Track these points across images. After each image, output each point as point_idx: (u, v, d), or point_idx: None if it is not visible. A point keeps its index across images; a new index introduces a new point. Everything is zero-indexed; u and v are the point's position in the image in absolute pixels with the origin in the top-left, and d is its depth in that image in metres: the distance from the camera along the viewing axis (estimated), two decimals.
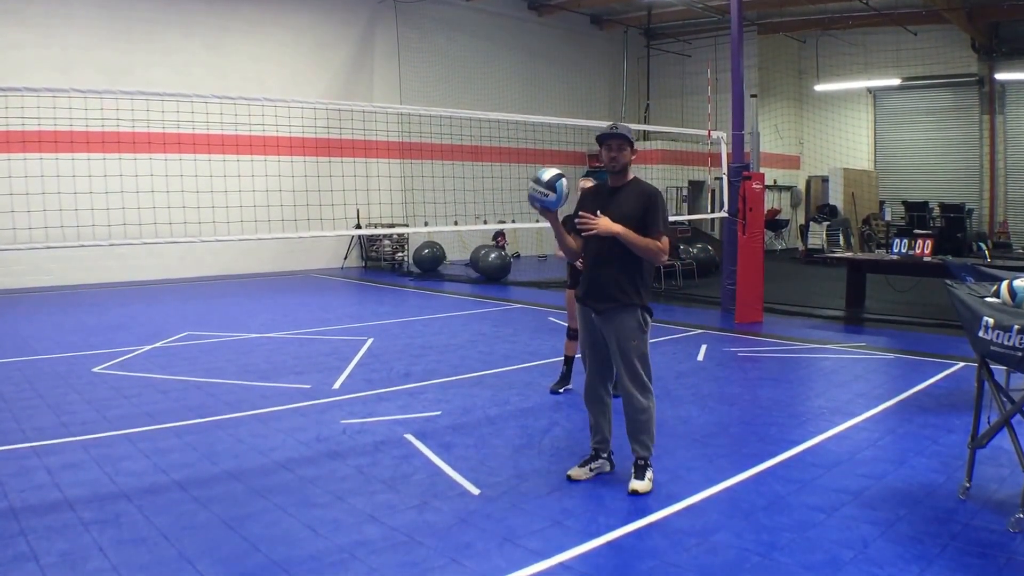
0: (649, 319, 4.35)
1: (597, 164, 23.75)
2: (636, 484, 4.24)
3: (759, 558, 3.47)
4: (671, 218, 4.50)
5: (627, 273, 4.27)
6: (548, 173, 4.28)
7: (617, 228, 4.16)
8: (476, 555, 3.53)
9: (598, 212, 4.25)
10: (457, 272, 17.03)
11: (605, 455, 4.58)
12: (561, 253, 6.33)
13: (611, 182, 4.42)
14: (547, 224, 4.45)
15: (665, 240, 4.25)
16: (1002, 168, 21.14)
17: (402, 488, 4.36)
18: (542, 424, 5.63)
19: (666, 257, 4.31)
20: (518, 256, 20.62)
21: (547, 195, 4.25)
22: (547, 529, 3.80)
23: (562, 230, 4.45)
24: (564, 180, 4.30)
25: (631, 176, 4.39)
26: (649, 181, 4.52)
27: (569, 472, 4.51)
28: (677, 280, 13.89)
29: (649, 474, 4.32)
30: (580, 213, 4.26)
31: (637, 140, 4.44)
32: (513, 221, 16.43)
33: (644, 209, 4.23)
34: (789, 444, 5.08)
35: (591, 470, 4.52)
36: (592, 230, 4.18)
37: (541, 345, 8.66)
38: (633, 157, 4.36)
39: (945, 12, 18.59)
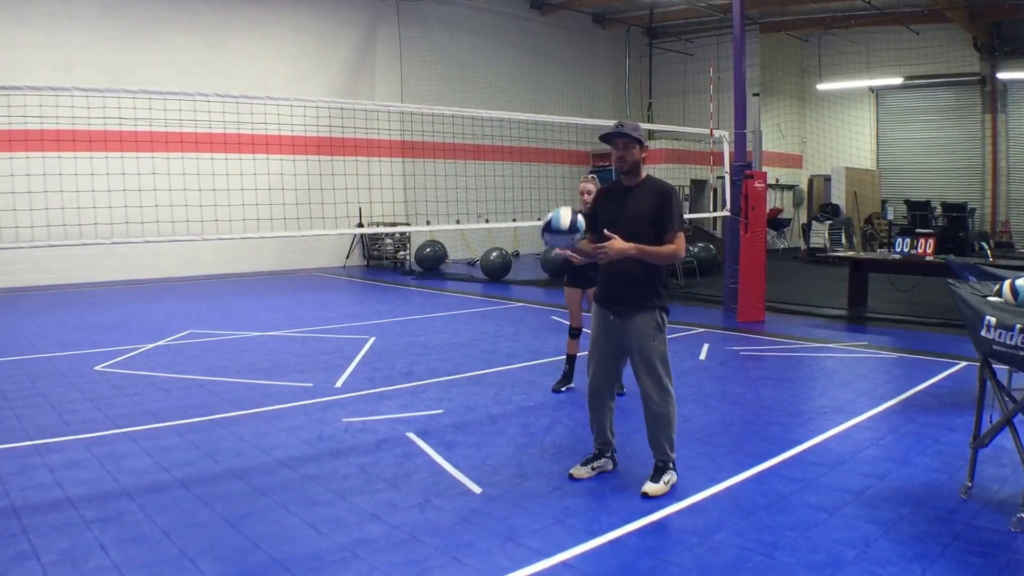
0: (666, 319, 4.32)
1: (601, 163, 23.81)
2: (649, 487, 4.19)
3: (761, 557, 3.47)
4: None
5: (644, 273, 4.23)
6: (564, 218, 4.15)
7: (631, 249, 4.08)
8: (478, 554, 3.53)
9: (605, 232, 4.18)
10: (459, 271, 17.04)
11: (608, 454, 4.57)
12: (559, 250, 6.34)
13: (625, 181, 4.36)
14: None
15: (680, 238, 4.18)
16: (1004, 167, 21.11)
17: (404, 487, 4.36)
18: (544, 423, 5.62)
19: (683, 254, 4.22)
20: (518, 255, 20.62)
21: (572, 236, 4.19)
22: (549, 528, 3.80)
23: (587, 251, 4.40)
24: (578, 215, 4.22)
25: (644, 174, 4.34)
26: None
27: (571, 471, 4.50)
28: (679, 279, 13.88)
29: (667, 477, 4.26)
30: (596, 246, 4.18)
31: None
32: (514, 220, 16.43)
33: (658, 208, 4.18)
34: (791, 443, 5.08)
35: (593, 469, 4.50)
36: (604, 257, 4.13)
37: (543, 344, 8.66)
38: (643, 155, 4.30)
39: (947, 11, 18.57)
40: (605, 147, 4.47)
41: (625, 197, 4.31)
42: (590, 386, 4.51)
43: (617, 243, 4.09)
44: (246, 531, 3.78)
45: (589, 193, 6.14)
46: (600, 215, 4.37)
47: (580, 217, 4.23)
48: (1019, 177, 21.04)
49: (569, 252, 6.23)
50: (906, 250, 10.54)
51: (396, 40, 19.36)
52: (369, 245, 19.03)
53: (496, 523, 3.85)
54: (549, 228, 4.20)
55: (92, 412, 5.91)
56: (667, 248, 4.16)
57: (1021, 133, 20.93)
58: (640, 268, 4.22)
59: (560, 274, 14.66)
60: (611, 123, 4.63)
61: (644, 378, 4.26)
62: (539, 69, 21.77)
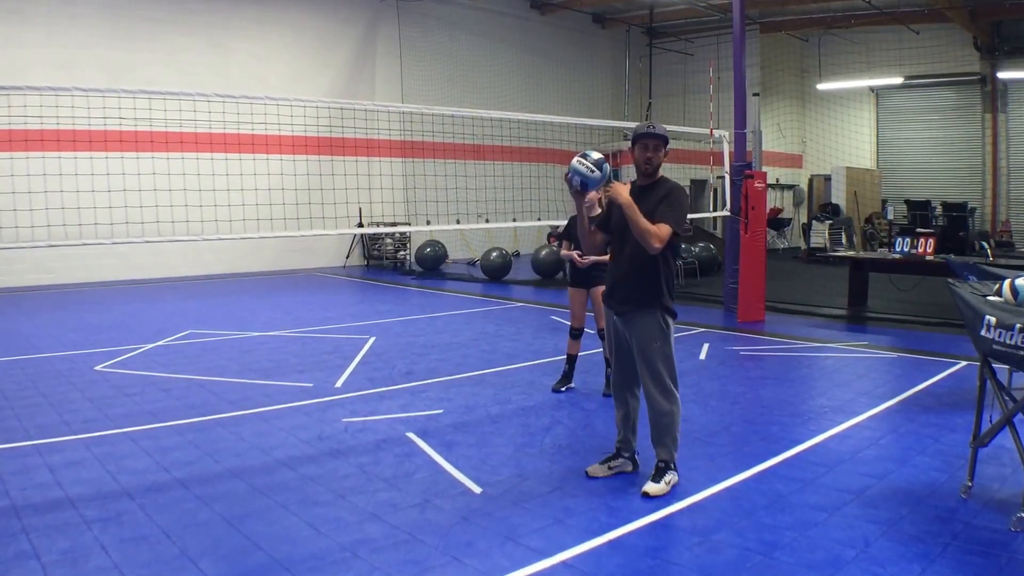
0: (671, 321, 4.29)
1: None
2: (650, 487, 4.19)
3: (760, 557, 3.47)
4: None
5: (647, 274, 4.22)
6: (597, 154, 4.27)
7: (625, 198, 4.09)
8: (478, 553, 3.53)
9: (612, 184, 4.26)
10: (459, 271, 17.04)
11: (627, 454, 4.55)
12: (566, 252, 6.34)
13: (640, 182, 4.37)
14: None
15: (664, 228, 4.07)
16: (1004, 167, 21.12)
17: (404, 486, 4.36)
18: (544, 423, 5.62)
19: (659, 245, 4.07)
20: (518, 255, 20.61)
21: (593, 172, 4.19)
22: (548, 528, 3.80)
23: (585, 215, 4.42)
24: (608, 165, 4.30)
25: (660, 175, 4.34)
26: None
27: (588, 468, 4.51)
28: (679, 279, 13.88)
29: (668, 478, 4.25)
30: (610, 183, 4.27)
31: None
32: (514, 220, 16.43)
33: (659, 203, 4.18)
34: (791, 443, 5.08)
35: (610, 468, 4.50)
36: (614, 198, 4.19)
37: (544, 344, 8.66)
38: (664, 157, 4.30)
39: (947, 11, 18.57)
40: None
41: (638, 196, 4.30)
42: (611, 381, 4.66)
43: (618, 186, 4.16)
44: (246, 531, 3.78)
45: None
46: (614, 214, 4.37)
47: (608, 166, 4.28)
48: (1019, 176, 21.03)
49: (574, 255, 6.22)
50: (906, 250, 10.54)
51: (396, 40, 19.35)
52: (369, 245, 19.03)
53: (496, 523, 3.85)
54: (581, 154, 4.27)
55: (92, 412, 5.91)
56: (648, 224, 4.06)
57: (1021, 133, 20.92)
58: (643, 268, 4.21)
59: (551, 273, 14.84)
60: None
61: (646, 378, 4.27)
62: (539, 69, 21.76)
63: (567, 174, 4.26)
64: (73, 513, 4.00)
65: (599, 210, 4.42)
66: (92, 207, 10.74)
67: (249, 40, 17.19)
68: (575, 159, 4.26)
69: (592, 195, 6.01)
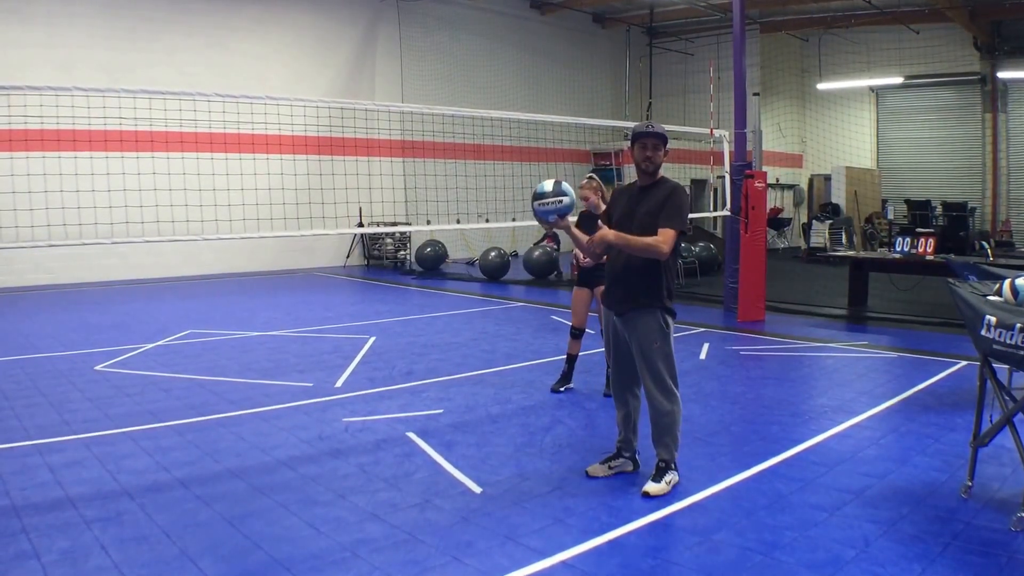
0: (671, 321, 4.28)
1: (602, 163, 23.64)
2: (650, 486, 4.19)
3: (761, 557, 3.47)
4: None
5: (646, 274, 4.21)
6: (549, 184, 4.23)
7: (610, 237, 4.12)
8: (477, 553, 3.53)
9: (600, 223, 4.26)
10: (459, 271, 17.05)
11: (628, 454, 4.55)
12: (579, 253, 6.32)
13: (641, 181, 4.36)
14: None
15: (668, 234, 4.06)
16: (1004, 167, 21.12)
17: (404, 486, 4.36)
18: (544, 423, 5.62)
19: (667, 249, 4.07)
20: (516, 255, 20.61)
21: (560, 201, 4.18)
22: (549, 527, 3.80)
23: (579, 235, 4.43)
24: (565, 183, 4.30)
25: (660, 175, 4.33)
26: None
27: (588, 468, 4.51)
28: (679, 279, 13.88)
29: (669, 477, 4.25)
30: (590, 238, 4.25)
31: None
32: (514, 220, 16.41)
33: (661, 204, 4.16)
34: (791, 443, 5.08)
35: (611, 468, 4.49)
36: (593, 244, 4.20)
37: (543, 344, 8.66)
38: (664, 157, 4.28)
39: (947, 10, 18.57)
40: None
41: (639, 196, 4.31)
42: (611, 381, 4.64)
43: (599, 233, 4.15)
44: (246, 531, 3.78)
45: (586, 200, 6.13)
46: (614, 214, 4.38)
47: (566, 184, 4.27)
48: (1019, 176, 21.04)
49: (578, 254, 6.21)
50: (906, 249, 10.54)
51: (396, 40, 19.35)
52: (369, 245, 19.04)
53: (496, 523, 3.85)
54: (535, 195, 4.25)
55: (92, 412, 5.91)
56: (646, 239, 4.07)
57: (1021, 132, 20.93)
58: (641, 269, 4.21)
59: (544, 273, 14.83)
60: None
61: (647, 378, 4.26)
62: (539, 69, 21.76)
63: (539, 219, 4.24)
64: (73, 513, 4.00)
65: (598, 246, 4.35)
66: (92, 207, 10.74)
67: (249, 40, 17.18)
68: (535, 204, 4.23)
69: (593, 198, 5.99)
